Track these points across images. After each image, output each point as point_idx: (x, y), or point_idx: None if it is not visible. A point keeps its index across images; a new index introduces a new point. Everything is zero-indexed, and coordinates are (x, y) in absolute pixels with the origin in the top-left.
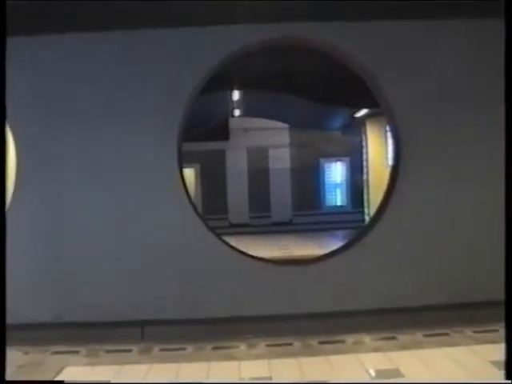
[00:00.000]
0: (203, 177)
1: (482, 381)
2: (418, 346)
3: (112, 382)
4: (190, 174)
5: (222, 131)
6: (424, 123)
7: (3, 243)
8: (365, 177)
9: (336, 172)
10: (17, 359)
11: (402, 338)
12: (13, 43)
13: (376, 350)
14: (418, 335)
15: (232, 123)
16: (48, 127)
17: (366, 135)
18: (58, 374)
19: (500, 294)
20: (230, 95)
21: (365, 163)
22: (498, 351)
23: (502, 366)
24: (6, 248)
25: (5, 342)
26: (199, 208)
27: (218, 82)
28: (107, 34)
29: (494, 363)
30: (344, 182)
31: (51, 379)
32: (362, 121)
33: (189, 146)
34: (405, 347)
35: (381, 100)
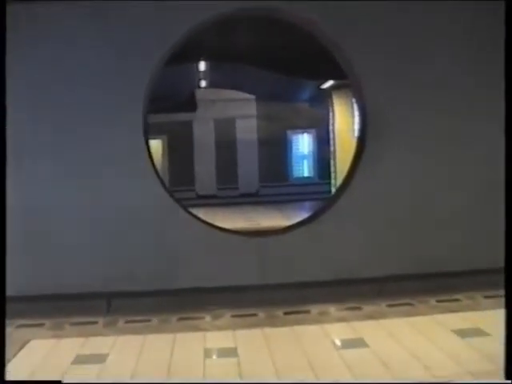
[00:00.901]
0: (170, 148)
1: (482, 381)
2: (383, 316)
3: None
4: (157, 145)
5: (188, 102)
6: (390, 95)
7: (3, 238)
8: (332, 148)
9: (303, 144)
10: None
11: (367, 308)
12: None
13: (341, 320)
14: (383, 305)
15: (199, 94)
16: (14, 101)
17: (332, 107)
18: (23, 346)
19: (462, 264)
20: (197, 66)
21: (331, 135)
22: (460, 320)
23: (464, 334)
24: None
25: (4, 343)
26: (166, 180)
27: (185, 53)
28: (71, 4)
29: (456, 331)
30: (311, 154)
31: (16, 352)
32: (329, 92)
33: (155, 118)
34: (369, 317)
35: (347, 72)
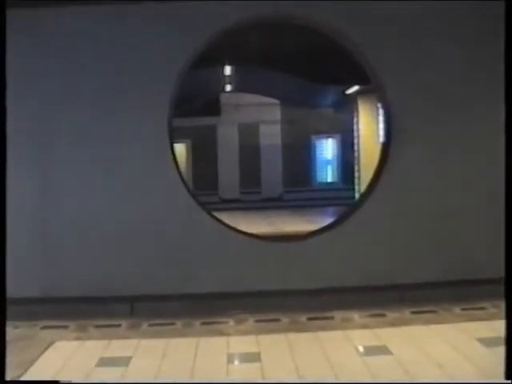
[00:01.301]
0: (194, 152)
1: (482, 381)
2: (406, 323)
3: (115, 382)
4: (181, 149)
5: (213, 106)
6: (416, 100)
7: (3, 239)
8: (356, 154)
9: (327, 149)
10: (7, 334)
11: (391, 315)
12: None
13: (364, 326)
14: (406, 312)
15: (223, 98)
16: (35, 103)
17: (357, 112)
18: (47, 347)
19: (488, 272)
20: (222, 70)
21: (356, 140)
22: (485, 329)
23: (488, 343)
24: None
25: (5, 343)
26: (190, 183)
27: (211, 57)
28: (98, 8)
29: (481, 340)
30: (335, 159)
31: (41, 353)
32: (354, 98)
33: (180, 122)
34: (393, 324)
35: (373, 77)
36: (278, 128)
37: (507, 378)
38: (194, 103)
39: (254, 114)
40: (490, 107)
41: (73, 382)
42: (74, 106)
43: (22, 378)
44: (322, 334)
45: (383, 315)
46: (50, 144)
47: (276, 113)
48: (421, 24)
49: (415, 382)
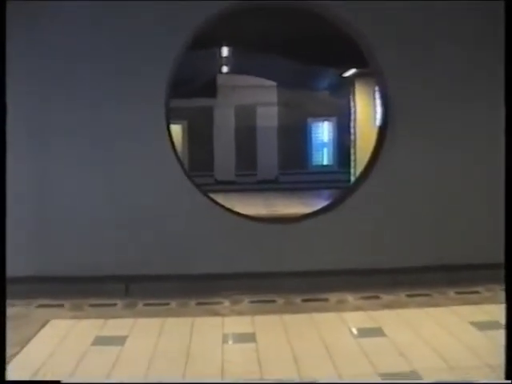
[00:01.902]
0: (190, 133)
1: (482, 381)
2: (401, 305)
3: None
4: (177, 130)
5: (209, 88)
6: (413, 84)
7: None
8: (352, 137)
9: (323, 132)
10: None
11: (385, 297)
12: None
13: (359, 308)
14: (401, 295)
15: (220, 80)
16: (33, 86)
17: (354, 95)
18: (43, 326)
19: (482, 257)
20: (219, 52)
21: (352, 123)
22: (478, 312)
23: (482, 326)
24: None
25: (5, 343)
26: (186, 164)
27: (207, 39)
28: None
29: (474, 324)
30: (331, 142)
31: (37, 331)
32: (351, 81)
33: (176, 103)
34: (387, 306)
35: (371, 61)
36: (274, 110)
37: (507, 378)
38: (191, 84)
39: (251, 96)
40: (491, 92)
41: (73, 382)
42: (73, 89)
43: (18, 356)
44: (317, 316)
45: (378, 298)
46: (49, 127)
47: (273, 95)
48: (422, 10)
49: (415, 382)
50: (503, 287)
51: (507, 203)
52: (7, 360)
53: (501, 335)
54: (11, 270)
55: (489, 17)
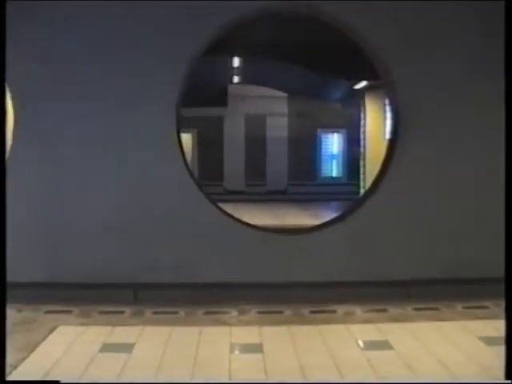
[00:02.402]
0: (200, 142)
1: (482, 381)
2: (409, 319)
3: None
4: (187, 139)
5: (220, 97)
6: (424, 98)
7: (3, 224)
8: (362, 149)
9: (333, 143)
10: (11, 317)
11: (393, 310)
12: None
13: (366, 321)
14: (409, 308)
15: (231, 90)
16: (47, 87)
17: (364, 107)
18: (51, 332)
19: (491, 272)
20: (230, 61)
21: (362, 136)
22: (487, 327)
23: (490, 341)
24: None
25: (5, 342)
26: (195, 174)
27: (219, 48)
28: None
29: (482, 338)
30: (341, 154)
31: (45, 337)
32: (362, 93)
33: (187, 111)
34: (395, 320)
35: (382, 73)
36: (284, 121)
37: (507, 377)
38: (202, 93)
39: (261, 106)
40: (501, 106)
41: (73, 382)
42: (85, 93)
43: (26, 361)
44: (325, 327)
45: (385, 310)
46: (60, 133)
47: (283, 105)
48: (433, 22)
49: (415, 382)
50: None
51: (507, 213)
52: (15, 364)
53: None
54: (21, 275)
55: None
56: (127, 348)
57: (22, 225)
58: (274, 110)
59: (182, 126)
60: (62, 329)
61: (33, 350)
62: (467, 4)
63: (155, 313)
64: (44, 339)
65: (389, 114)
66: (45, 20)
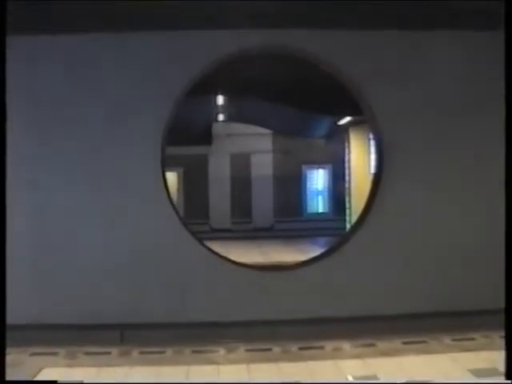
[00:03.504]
0: (186, 181)
1: (482, 381)
2: (397, 353)
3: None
4: (172, 177)
5: (205, 136)
6: (408, 132)
7: (3, 248)
8: (347, 184)
9: (318, 179)
10: None
11: (382, 344)
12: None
13: (355, 356)
14: (397, 342)
15: (215, 128)
16: (32, 128)
17: (348, 143)
18: (36, 374)
19: (478, 304)
20: (215, 100)
21: (347, 171)
22: (476, 359)
23: (480, 373)
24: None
25: (5, 342)
26: (181, 212)
27: (203, 87)
28: (96, 36)
29: (472, 371)
30: (326, 190)
31: (30, 379)
32: (346, 128)
33: (172, 150)
34: (384, 354)
35: (365, 109)
36: (269, 158)
37: (507, 377)
38: (186, 132)
39: (246, 144)
40: (487, 133)
41: (73, 381)
42: (69, 133)
43: None
44: (313, 364)
45: (374, 345)
46: (46, 170)
47: (268, 143)
48: (414, 53)
49: (415, 382)
50: (500, 334)
51: (507, 220)
52: None
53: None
54: (8, 317)
55: (488, 52)
56: None
57: (8, 266)
58: (259, 148)
59: (167, 164)
60: (47, 371)
61: (4, 366)
62: (451, 35)
63: (142, 353)
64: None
65: (373, 149)
66: (30, 58)
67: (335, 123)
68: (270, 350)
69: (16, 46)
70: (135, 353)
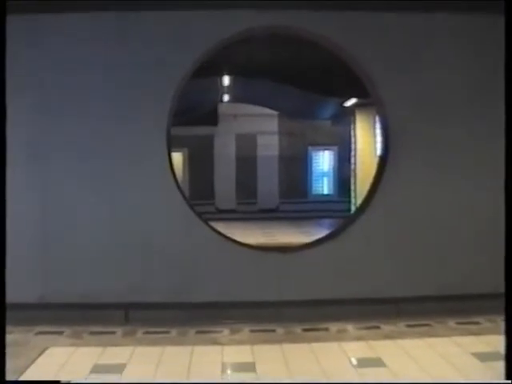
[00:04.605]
0: (191, 161)
1: (482, 381)
2: (401, 335)
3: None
4: (178, 158)
5: (211, 116)
6: (414, 115)
7: (3, 240)
8: (352, 166)
9: (324, 161)
10: None
11: (386, 327)
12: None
13: (359, 338)
14: (401, 325)
15: (221, 108)
16: (34, 111)
17: (354, 125)
18: (41, 353)
19: (483, 288)
20: (220, 81)
21: (353, 153)
22: (480, 343)
23: (483, 357)
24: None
25: (4, 342)
26: (186, 193)
27: (209, 68)
28: (97, 16)
29: (475, 354)
30: (331, 171)
31: (35, 359)
32: (352, 110)
33: (177, 130)
34: (388, 337)
35: (371, 91)
36: (275, 139)
37: (507, 377)
38: (192, 113)
39: (252, 125)
40: (491, 120)
41: (73, 381)
42: (73, 117)
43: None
44: (317, 346)
45: (378, 327)
46: (50, 157)
47: (274, 124)
48: (421, 36)
49: (415, 382)
50: (503, 318)
51: (507, 220)
52: None
53: (503, 366)
54: (11, 296)
55: (493, 40)
56: (118, 369)
57: (12, 247)
58: (265, 129)
59: (172, 145)
60: (52, 350)
61: (22, 372)
62: (458, 24)
63: (146, 333)
64: (34, 361)
65: (379, 131)
66: (30, 42)
67: (341, 105)
68: (274, 331)
69: (16, 26)
70: (140, 333)
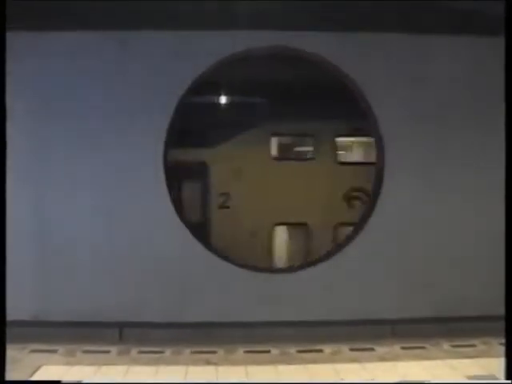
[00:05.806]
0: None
1: (482, 381)
2: (396, 358)
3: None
4: None
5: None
6: (409, 132)
7: (3, 247)
8: None
9: None
10: None
11: (380, 349)
12: (12, 37)
13: (353, 360)
14: (396, 347)
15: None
16: (35, 125)
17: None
18: (34, 372)
19: (478, 310)
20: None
21: None
22: (474, 366)
23: (477, 380)
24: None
25: (5, 343)
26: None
27: (206, 87)
28: (99, 35)
29: (470, 377)
30: None
31: (28, 377)
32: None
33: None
34: (382, 359)
35: (363, 103)
36: None
37: (507, 377)
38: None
39: None
40: (490, 133)
41: (73, 382)
42: (73, 132)
43: None
44: (311, 367)
45: (372, 349)
46: (48, 170)
47: None
48: (423, 59)
49: (415, 382)
50: (500, 340)
51: (507, 226)
52: None
53: None
54: (7, 314)
55: (488, 55)
56: None
57: (8, 263)
58: None
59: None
60: (45, 368)
61: (4, 366)
62: (456, 41)
63: (141, 352)
64: (27, 379)
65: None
66: (32, 54)
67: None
68: (268, 352)
69: (18, 42)
70: (134, 352)
